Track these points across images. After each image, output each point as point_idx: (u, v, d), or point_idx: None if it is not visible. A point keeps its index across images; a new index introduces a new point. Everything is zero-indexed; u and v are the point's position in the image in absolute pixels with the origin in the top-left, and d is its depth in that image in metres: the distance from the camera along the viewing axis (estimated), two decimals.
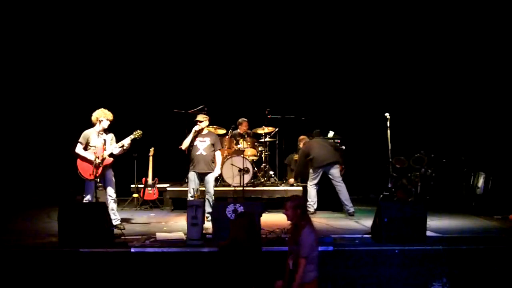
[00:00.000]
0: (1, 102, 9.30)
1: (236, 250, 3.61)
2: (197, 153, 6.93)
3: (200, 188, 6.96)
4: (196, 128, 6.97)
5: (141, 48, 9.93)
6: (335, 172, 7.55)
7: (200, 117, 7.06)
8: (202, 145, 6.97)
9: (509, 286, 5.08)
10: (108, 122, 6.37)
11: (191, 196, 6.47)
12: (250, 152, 8.61)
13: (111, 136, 6.48)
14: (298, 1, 9.72)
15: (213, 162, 7.04)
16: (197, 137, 7.00)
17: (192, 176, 6.90)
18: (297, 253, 3.92)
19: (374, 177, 8.64)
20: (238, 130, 8.93)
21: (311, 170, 7.67)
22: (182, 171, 8.34)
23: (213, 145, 7.02)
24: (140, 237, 5.78)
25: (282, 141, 9.27)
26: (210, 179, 6.98)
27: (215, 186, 7.28)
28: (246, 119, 8.95)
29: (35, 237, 5.85)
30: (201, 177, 6.95)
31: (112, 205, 6.32)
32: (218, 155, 7.10)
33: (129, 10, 9.59)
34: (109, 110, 6.44)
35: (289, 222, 4.14)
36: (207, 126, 7.15)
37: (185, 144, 7.00)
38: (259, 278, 3.59)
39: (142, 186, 8.45)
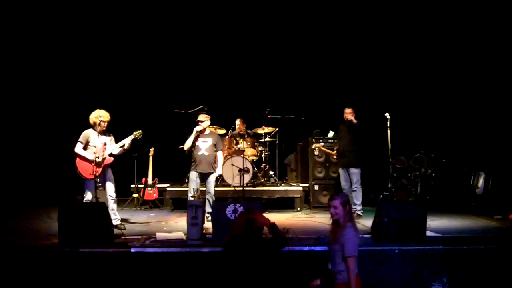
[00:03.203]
0: (1, 102, 9.29)
1: (236, 247, 3.60)
2: (199, 154, 6.92)
3: (200, 188, 6.95)
4: (198, 128, 6.95)
5: (141, 48, 9.93)
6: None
7: (201, 117, 7.04)
8: (204, 146, 6.96)
9: (509, 286, 5.08)
10: (105, 124, 6.35)
11: (191, 196, 6.47)
12: (250, 152, 8.60)
13: (111, 136, 6.47)
14: (298, 1, 9.71)
15: (214, 163, 7.04)
16: (199, 137, 6.99)
17: (193, 176, 6.89)
18: (338, 253, 3.69)
19: (374, 177, 8.62)
20: (237, 130, 8.94)
21: (348, 170, 7.38)
22: (182, 171, 8.35)
23: (215, 145, 7.01)
24: (140, 237, 5.78)
25: (282, 141, 9.28)
26: (212, 179, 6.98)
27: (215, 186, 7.27)
28: (241, 118, 8.94)
29: (35, 237, 5.84)
30: (203, 177, 6.95)
31: (112, 205, 6.32)
32: (220, 155, 7.10)
33: (129, 10, 9.59)
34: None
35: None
36: (208, 126, 7.15)
37: (187, 145, 6.98)
38: (262, 277, 3.57)
39: (142, 186, 8.44)
